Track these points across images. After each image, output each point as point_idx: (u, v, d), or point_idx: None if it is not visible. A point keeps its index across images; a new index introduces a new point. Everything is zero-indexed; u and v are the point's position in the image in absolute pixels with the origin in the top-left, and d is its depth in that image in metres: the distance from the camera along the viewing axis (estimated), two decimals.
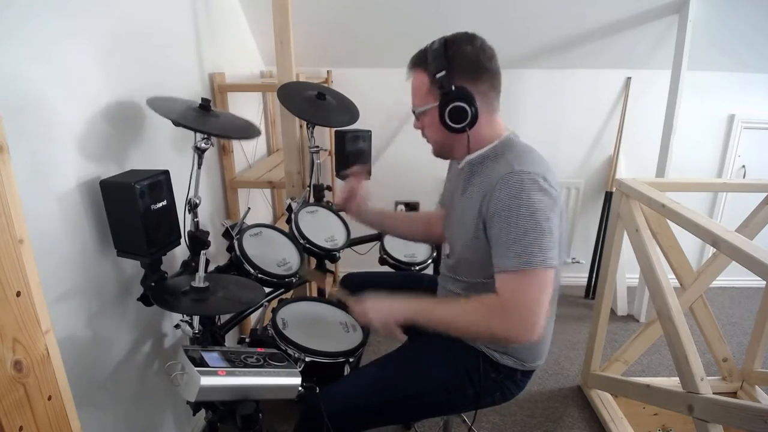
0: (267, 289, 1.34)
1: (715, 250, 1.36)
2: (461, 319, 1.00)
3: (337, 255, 1.67)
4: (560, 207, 0.98)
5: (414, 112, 1.11)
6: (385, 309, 1.04)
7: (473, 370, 1.13)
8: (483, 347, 1.13)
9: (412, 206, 2.73)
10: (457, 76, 1.00)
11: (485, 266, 1.01)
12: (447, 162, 1.24)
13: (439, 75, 1.00)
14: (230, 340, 1.72)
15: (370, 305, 1.06)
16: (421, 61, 1.06)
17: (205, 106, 1.24)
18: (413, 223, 1.44)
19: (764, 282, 1.25)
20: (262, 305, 1.26)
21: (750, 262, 1.11)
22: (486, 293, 0.99)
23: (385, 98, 2.53)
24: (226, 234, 1.45)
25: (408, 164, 2.63)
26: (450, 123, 1.01)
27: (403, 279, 1.56)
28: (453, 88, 0.99)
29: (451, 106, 1.00)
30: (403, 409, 1.16)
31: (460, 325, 1.01)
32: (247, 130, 1.34)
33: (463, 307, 1.01)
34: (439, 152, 1.15)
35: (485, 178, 1.03)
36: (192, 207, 1.28)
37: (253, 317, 1.58)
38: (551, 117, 2.65)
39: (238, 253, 1.38)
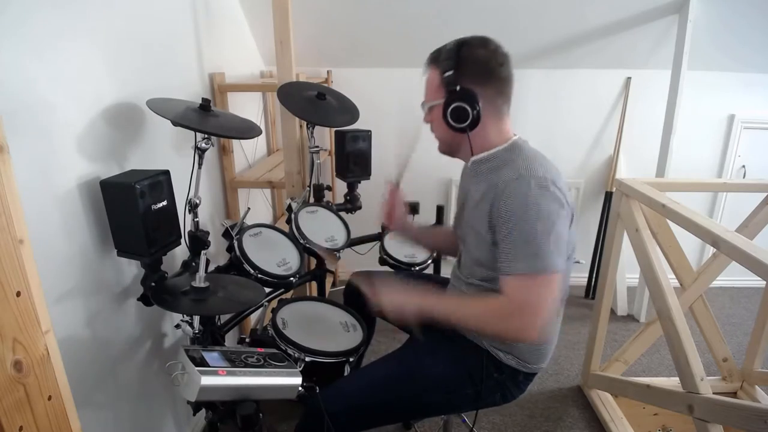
0: (267, 289, 1.34)
1: (715, 250, 1.36)
2: (470, 319, 1.03)
3: (337, 255, 1.67)
4: (571, 209, 0.99)
5: (422, 106, 1.13)
6: (400, 298, 1.06)
7: (475, 369, 1.13)
8: (488, 346, 1.14)
9: (412, 206, 2.73)
10: (464, 78, 1.01)
11: (495, 265, 1.03)
12: (449, 161, 1.24)
13: (447, 74, 1.02)
14: (230, 340, 1.72)
15: (386, 291, 1.07)
16: (435, 59, 1.07)
17: (205, 106, 1.24)
18: (438, 236, 1.45)
19: (764, 282, 1.25)
20: (262, 305, 1.26)
21: (750, 262, 1.11)
22: (494, 292, 1.02)
23: (385, 98, 2.53)
24: (226, 234, 1.45)
25: (408, 164, 2.63)
26: (451, 121, 1.03)
27: (411, 280, 1.56)
28: (458, 88, 1.01)
29: (453, 105, 1.01)
30: (404, 408, 1.16)
31: (469, 324, 1.05)
32: (247, 130, 1.34)
33: (472, 306, 1.04)
34: (444, 149, 1.16)
35: (493, 180, 1.03)
36: (192, 207, 1.28)
37: (253, 317, 1.58)
38: (551, 117, 2.65)
39: (238, 253, 1.38)
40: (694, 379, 1.30)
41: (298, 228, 1.60)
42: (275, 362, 1.02)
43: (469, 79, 1.01)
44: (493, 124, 1.06)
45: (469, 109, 1.00)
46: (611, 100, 2.63)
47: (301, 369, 1.09)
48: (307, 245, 1.56)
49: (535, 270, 0.93)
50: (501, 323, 0.96)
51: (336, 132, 1.92)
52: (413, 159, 1.26)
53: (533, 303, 0.94)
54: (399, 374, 1.15)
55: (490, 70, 1.03)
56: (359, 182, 1.97)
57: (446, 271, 1.40)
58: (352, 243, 1.77)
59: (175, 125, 1.14)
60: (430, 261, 1.82)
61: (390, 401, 1.13)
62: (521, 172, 0.98)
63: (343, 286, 1.55)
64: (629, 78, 2.57)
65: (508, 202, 0.96)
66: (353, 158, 1.90)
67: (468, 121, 1.01)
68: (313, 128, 1.76)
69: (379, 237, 1.88)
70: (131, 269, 1.27)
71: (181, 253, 1.35)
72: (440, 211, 2.03)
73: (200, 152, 1.24)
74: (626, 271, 2.70)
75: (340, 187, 2.17)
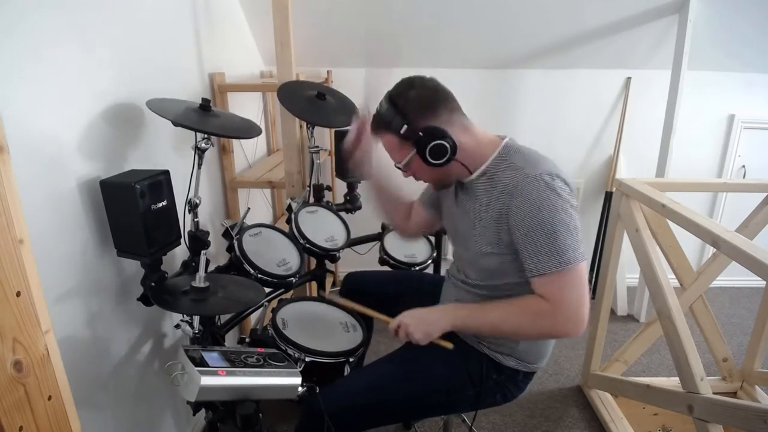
0: (267, 289, 1.34)
1: (715, 250, 1.36)
2: (508, 324, 1.03)
3: (337, 255, 1.68)
4: (575, 195, 1.02)
5: (397, 166, 1.13)
6: (427, 322, 1.07)
7: (474, 370, 1.13)
8: (486, 349, 1.14)
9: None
10: (417, 121, 1.02)
11: (505, 269, 1.05)
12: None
13: (402, 130, 1.03)
14: (230, 340, 1.72)
15: (411, 321, 1.07)
16: (381, 125, 1.08)
17: (205, 106, 1.24)
18: (401, 205, 1.38)
19: (764, 282, 1.25)
20: (262, 305, 1.26)
21: (750, 262, 1.11)
22: (504, 295, 1.05)
23: None
24: (226, 234, 1.45)
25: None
26: (436, 162, 1.03)
27: (403, 278, 1.56)
28: (420, 134, 1.02)
29: (429, 147, 1.02)
30: (404, 408, 1.16)
31: (506, 330, 1.04)
32: (247, 130, 1.34)
33: (508, 311, 1.03)
34: (440, 186, 1.17)
35: (498, 187, 1.03)
36: (192, 207, 1.28)
37: (253, 317, 1.58)
38: (551, 117, 2.65)
39: (237, 253, 1.38)
40: (694, 379, 1.30)
41: (298, 228, 1.60)
42: (275, 362, 1.02)
43: (422, 119, 1.02)
44: (465, 137, 1.06)
45: (442, 141, 1.02)
46: (611, 100, 2.63)
47: (301, 369, 1.09)
48: (305, 249, 1.56)
49: (565, 265, 0.95)
50: (546, 323, 0.98)
51: (336, 132, 1.93)
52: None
53: (571, 297, 0.96)
54: (399, 375, 1.15)
55: (431, 100, 1.04)
56: (359, 182, 1.97)
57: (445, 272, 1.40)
58: (352, 243, 1.78)
59: (175, 125, 1.14)
60: (430, 261, 1.82)
61: (390, 401, 1.13)
62: (526, 172, 0.99)
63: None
64: (629, 78, 2.57)
65: (521, 206, 0.97)
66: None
67: (448, 152, 1.03)
68: (313, 128, 1.76)
69: (379, 237, 1.88)
70: (131, 269, 1.27)
71: (181, 253, 1.35)
72: None
73: (200, 152, 1.24)
74: (626, 271, 2.70)
75: (340, 187, 2.17)
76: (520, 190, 0.98)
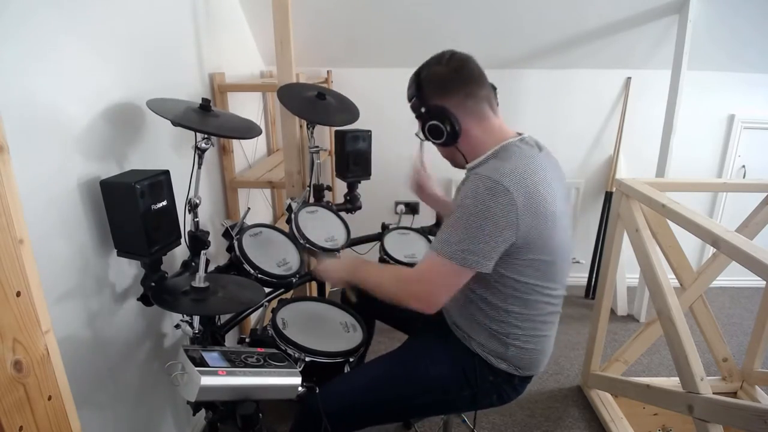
0: (267, 289, 1.33)
1: (715, 250, 1.36)
2: (383, 281, 1.11)
3: (337, 255, 1.67)
4: (531, 217, 0.95)
5: (417, 135, 1.17)
6: (333, 265, 1.23)
7: (470, 371, 1.13)
8: (478, 350, 1.13)
9: (412, 206, 2.73)
10: (427, 97, 1.05)
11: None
12: (448, 163, 1.24)
13: (412, 101, 1.07)
14: (230, 340, 1.72)
15: (325, 262, 1.25)
16: (408, 95, 1.11)
17: (205, 106, 1.24)
18: None
19: (764, 282, 1.25)
20: (262, 305, 1.26)
21: (750, 262, 1.11)
22: (513, 291, 1.06)
23: (385, 98, 2.53)
24: (226, 234, 1.45)
25: (408, 164, 2.63)
26: (433, 140, 1.07)
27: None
28: (423, 109, 1.05)
29: (427, 126, 1.05)
30: (401, 407, 1.16)
31: (384, 289, 1.10)
32: (247, 130, 1.34)
33: (388, 271, 1.19)
34: (453, 164, 1.19)
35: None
36: (192, 207, 1.28)
37: (253, 317, 1.58)
38: (551, 117, 2.65)
39: (237, 253, 1.38)
40: (694, 379, 1.30)
41: (298, 228, 1.60)
42: (275, 362, 1.02)
43: (432, 96, 1.04)
44: (476, 126, 1.06)
45: (440, 123, 1.03)
46: (611, 100, 2.63)
47: (300, 369, 1.09)
48: (307, 245, 1.56)
49: (445, 255, 0.97)
50: (404, 288, 1.05)
51: (336, 132, 1.92)
52: (411, 159, 1.28)
53: (431, 280, 1.01)
54: (396, 374, 1.15)
55: (448, 80, 1.05)
56: (359, 182, 1.97)
57: None
58: (352, 243, 1.77)
59: (175, 125, 1.14)
60: None
61: (387, 401, 1.13)
62: (480, 171, 0.99)
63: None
64: (629, 78, 2.57)
65: (459, 193, 1.01)
66: (353, 158, 1.90)
67: (445, 135, 1.04)
68: (313, 128, 1.76)
69: (379, 237, 1.88)
70: (131, 269, 1.27)
71: (181, 253, 1.35)
72: None
73: (200, 152, 1.24)
74: (626, 271, 2.70)
75: (340, 187, 2.17)
76: (465, 181, 1.03)
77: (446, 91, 1.04)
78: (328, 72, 2.56)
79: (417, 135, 1.15)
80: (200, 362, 0.92)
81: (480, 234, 0.94)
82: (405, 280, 1.06)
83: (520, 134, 1.09)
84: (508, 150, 1.04)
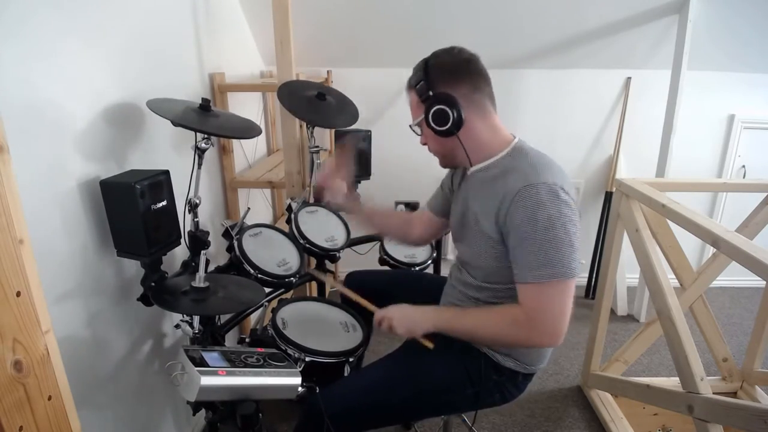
0: (267, 289, 1.34)
1: (715, 250, 1.36)
2: (486, 330, 1.04)
3: (337, 255, 1.67)
4: (578, 210, 0.99)
5: (411, 128, 1.14)
6: (412, 319, 1.09)
7: (473, 370, 1.13)
8: (485, 349, 1.13)
9: (412, 206, 2.73)
10: (435, 83, 1.03)
11: (504, 272, 1.04)
12: None
13: (419, 85, 1.04)
14: (230, 340, 1.72)
15: (396, 315, 1.09)
16: (410, 81, 1.10)
17: (205, 106, 1.24)
18: (391, 219, 1.44)
19: (764, 282, 1.25)
20: (262, 305, 1.26)
21: (750, 262, 1.11)
22: (506, 300, 1.04)
23: (385, 98, 2.53)
24: (226, 234, 1.45)
25: (408, 164, 2.63)
26: (436, 127, 1.03)
27: (403, 278, 1.56)
28: (431, 93, 1.03)
29: (432, 110, 1.02)
30: (403, 408, 1.16)
31: (486, 335, 1.06)
32: (247, 130, 1.34)
33: (487, 317, 1.05)
34: (444, 162, 1.17)
35: (499, 188, 1.01)
36: (192, 207, 1.28)
37: (253, 317, 1.58)
38: (551, 117, 2.65)
39: (237, 253, 1.38)
40: (694, 379, 1.30)
41: (298, 228, 1.60)
42: (275, 362, 1.02)
43: (440, 83, 1.03)
44: (480, 122, 1.05)
45: (447, 108, 1.01)
46: (611, 100, 2.63)
47: (301, 369, 1.09)
48: (305, 249, 1.56)
49: (551, 277, 0.93)
50: (523, 332, 0.98)
51: (336, 132, 1.92)
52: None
53: (551, 309, 0.95)
54: (399, 375, 1.15)
55: (457, 70, 1.04)
56: (359, 182, 1.97)
57: (445, 271, 1.40)
58: (351, 243, 1.77)
59: (175, 125, 1.14)
60: (430, 261, 1.82)
61: (390, 402, 1.13)
62: (530, 179, 0.96)
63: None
64: (629, 78, 2.57)
65: (519, 211, 0.95)
66: (353, 158, 1.90)
67: (450, 122, 1.01)
68: (313, 128, 1.76)
69: (379, 237, 1.88)
70: (131, 269, 1.27)
71: (181, 253, 1.35)
72: None
73: (200, 152, 1.24)
74: (626, 271, 2.70)
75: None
76: (522, 196, 0.95)
77: (455, 80, 1.03)
78: (328, 72, 2.56)
79: (411, 127, 1.13)
80: (200, 362, 0.92)
81: (571, 238, 0.94)
82: (524, 322, 0.97)
83: (513, 135, 1.10)
84: (526, 152, 1.05)
